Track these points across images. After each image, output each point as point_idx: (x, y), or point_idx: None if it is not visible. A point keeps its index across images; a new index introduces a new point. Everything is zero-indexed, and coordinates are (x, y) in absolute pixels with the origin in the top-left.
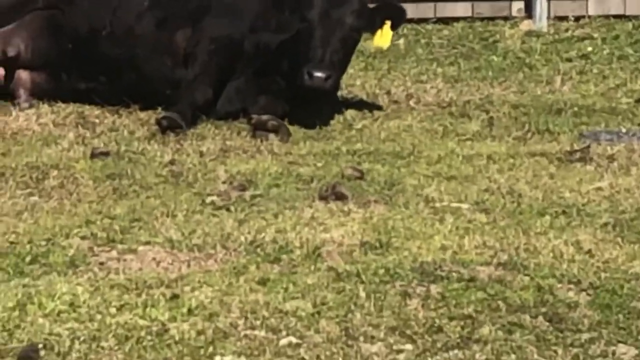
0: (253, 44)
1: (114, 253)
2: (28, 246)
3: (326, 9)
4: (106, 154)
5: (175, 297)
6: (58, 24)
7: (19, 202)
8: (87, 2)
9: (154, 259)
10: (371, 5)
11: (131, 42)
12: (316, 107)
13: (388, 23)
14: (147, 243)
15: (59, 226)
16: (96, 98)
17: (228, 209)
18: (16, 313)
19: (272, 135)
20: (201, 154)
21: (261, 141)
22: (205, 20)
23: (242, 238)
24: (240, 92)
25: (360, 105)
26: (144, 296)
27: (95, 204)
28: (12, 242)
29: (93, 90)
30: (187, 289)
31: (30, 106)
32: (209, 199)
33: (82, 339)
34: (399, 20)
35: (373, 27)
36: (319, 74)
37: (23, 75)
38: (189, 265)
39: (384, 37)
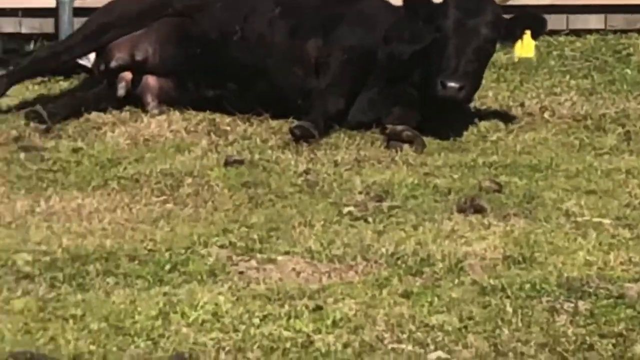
0: (386, 55)
1: (253, 262)
2: (167, 254)
3: (461, 19)
4: (240, 162)
5: (318, 308)
6: (187, 31)
7: (155, 209)
8: (217, 9)
9: (293, 269)
10: (509, 16)
11: (262, 50)
12: (449, 119)
13: (528, 33)
14: (287, 253)
15: (196, 234)
16: (227, 106)
17: (366, 220)
18: (159, 322)
19: (406, 146)
20: (335, 164)
21: (396, 152)
22: (337, 29)
23: (383, 250)
24: (372, 103)
25: (493, 116)
26: (286, 307)
27: (231, 213)
28: (150, 250)
29: (221, 98)
30: (330, 300)
31: (161, 113)
32: (346, 210)
33: (227, 349)
34: (539, 29)
35: (512, 38)
36: (452, 84)
37: (151, 81)
38: (329, 277)
39: (525, 47)
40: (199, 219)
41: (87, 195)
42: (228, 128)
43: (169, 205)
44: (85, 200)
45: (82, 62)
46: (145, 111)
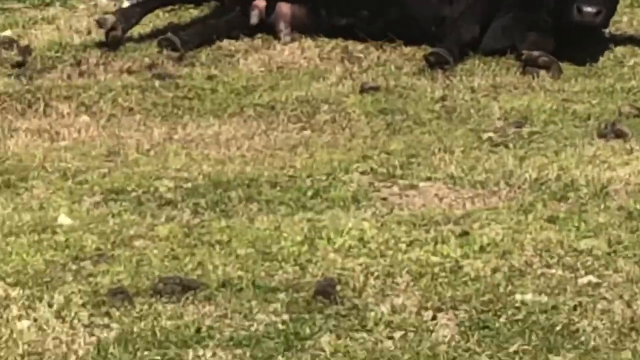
0: None
1: (395, 189)
2: (308, 180)
3: None
4: (376, 88)
5: (464, 234)
6: None
7: (292, 136)
8: None
9: (436, 195)
10: None
11: None
12: (584, 45)
13: None
14: (428, 179)
15: (336, 161)
16: (359, 33)
17: (506, 146)
18: (305, 247)
19: (543, 72)
20: (472, 90)
21: (532, 77)
22: None
23: (525, 175)
24: (506, 30)
25: (629, 42)
26: (432, 233)
27: (369, 139)
28: (291, 176)
29: (353, 26)
30: (475, 226)
31: (293, 40)
32: (485, 136)
33: (375, 274)
34: None
35: None
36: (589, 9)
37: (284, 8)
38: (473, 202)
39: None
40: (337, 145)
41: (223, 122)
42: (361, 55)
43: (307, 132)
44: (222, 128)
45: None
46: (277, 38)
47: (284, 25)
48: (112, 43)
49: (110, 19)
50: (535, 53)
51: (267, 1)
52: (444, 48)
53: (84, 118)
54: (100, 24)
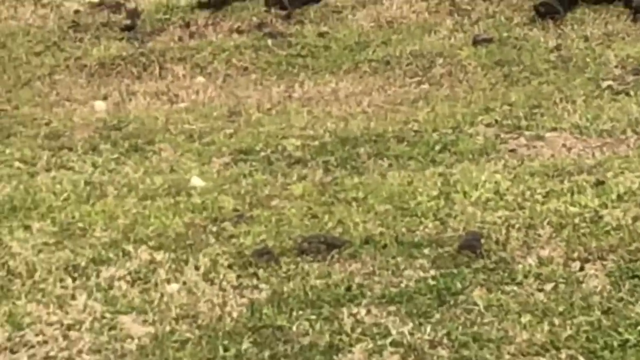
0: None
1: (522, 140)
2: (434, 134)
3: None
4: (489, 40)
5: (600, 183)
6: None
7: (411, 90)
8: None
9: (564, 145)
10: None
11: None
12: None
13: None
14: (554, 129)
15: (460, 114)
16: None
17: (627, 94)
18: (442, 202)
19: None
20: (585, 39)
21: None
22: None
23: None
24: None
25: None
26: (567, 183)
27: (488, 91)
28: (416, 131)
29: None
30: (609, 175)
31: None
32: (604, 84)
33: (517, 226)
34: None
35: None
36: None
37: None
38: (602, 151)
39: None
40: (457, 98)
41: (340, 79)
42: (469, 7)
43: (424, 87)
44: (340, 84)
45: None
46: None
47: None
48: (218, 3)
49: None
50: None
51: None
52: None
53: (200, 79)
54: None
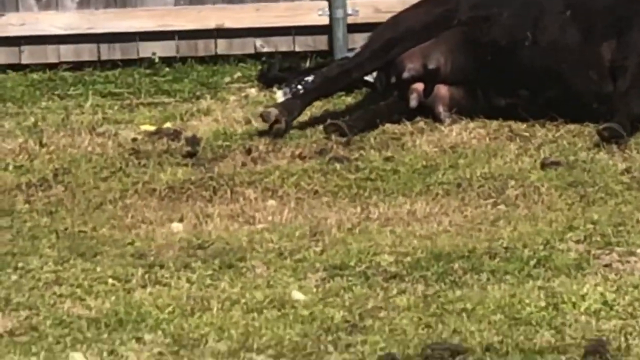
0: None
1: (614, 256)
2: (526, 251)
3: None
4: (557, 163)
5: None
6: (476, 39)
7: (488, 210)
8: (505, 18)
9: None
10: None
11: (554, 55)
12: None
13: None
14: None
15: (546, 232)
16: (521, 112)
17: None
18: (552, 312)
19: None
20: None
21: None
22: (632, 31)
23: None
24: None
25: None
26: None
27: (567, 211)
28: (506, 248)
29: (512, 106)
30: None
31: (453, 122)
32: None
33: (633, 335)
34: None
35: None
36: None
37: (442, 90)
38: None
39: None
40: (537, 218)
41: (413, 200)
42: (527, 134)
43: (501, 207)
44: (415, 206)
45: (366, 77)
46: (437, 120)
47: (443, 107)
48: (276, 135)
49: (274, 112)
50: None
51: (425, 84)
52: (617, 122)
53: (271, 202)
54: (264, 117)
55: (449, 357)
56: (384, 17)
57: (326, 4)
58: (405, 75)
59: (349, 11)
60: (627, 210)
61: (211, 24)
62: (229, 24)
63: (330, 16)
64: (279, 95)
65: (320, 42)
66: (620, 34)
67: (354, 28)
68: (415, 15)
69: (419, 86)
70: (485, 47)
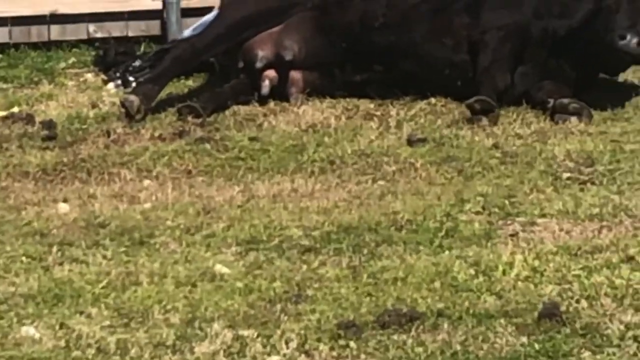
0: (539, 30)
1: (516, 226)
2: (431, 223)
3: None
4: (423, 140)
5: (630, 258)
6: (329, 24)
7: (369, 186)
8: (356, 1)
9: (561, 229)
10: None
11: (407, 31)
12: (601, 93)
13: None
14: (543, 216)
15: (443, 204)
16: (370, 92)
17: (593, 183)
18: (485, 278)
19: (573, 118)
20: (519, 137)
21: (563, 123)
22: (485, 9)
23: None
24: (524, 77)
25: (636, 88)
26: (596, 260)
27: (449, 185)
28: (409, 220)
29: (367, 82)
30: (631, 252)
31: (303, 103)
32: (564, 176)
33: (575, 299)
34: None
35: None
36: (632, 37)
37: (295, 75)
38: (604, 233)
39: None
40: (423, 193)
41: (291, 179)
42: (379, 113)
43: (382, 182)
44: (295, 184)
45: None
46: (283, 102)
47: (296, 90)
48: (132, 120)
49: (135, 101)
50: (565, 100)
51: (278, 71)
52: (485, 96)
53: (148, 182)
54: (125, 106)
55: (406, 323)
56: (217, 1)
57: None
58: (258, 64)
59: None
60: (510, 183)
61: (45, 10)
62: (63, 9)
63: (164, 1)
64: (111, 86)
65: (153, 27)
66: (472, 11)
67: (187, 12)
68: None
69: (271, 73)
70: (339, 31)
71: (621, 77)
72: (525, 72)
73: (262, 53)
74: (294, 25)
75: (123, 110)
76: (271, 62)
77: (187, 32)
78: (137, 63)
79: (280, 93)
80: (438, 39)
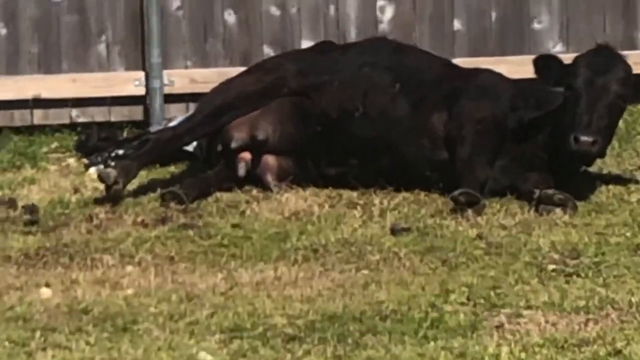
0: (515, 122)
1: (502, 317)
2: (415, 313)
3: (591, 77)
4: (407, 229)
5: (617, 352)
6: (306, 109)
7: (353, 275)
8: (335, 88)
9: (547, 321)
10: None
11: (385, 125)
12: (578, 182)
13: None
14: (528, 307)
15: (427, 294)
16: (351, 180)
17: (579, 275)
18: None
19: (558, 209)
20: (503, 227)
21: (548, 214)
22: (462, 102)
23: (628, 298)
24: (506, 170)
25: (619, 180)
26: (583, 354)
27: (434, 275)
28: (394, 310)
29: (343, 175)
30: (618, 345)
31: (282, 190)
32: (549, 267)
33: None
34: None
35: None
36: (585, 138)
37: (270, 160)
38: (591, 326)
39: None
40: (406, 282)
41: (274, 266)
42: (362, 202)
43: (365, 272)
44: (278, 271)
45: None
46: (267, 189)
47: (272, 176)
48: (114, 197)
49: (112, 173)
50: (550, 191)
51: (252, 154)
52: (469, 188)
53: (130, 268)
54: (102, 178)
55: None
56: (199, 88)
57: (142, 74)
58: (233, 145)
59: (165, 81)
60: (495, 274)
61: (28, 94)
62: (46, 94)
63: (147, 86)
64: (93, 171)
65: (136, 113)
66: (451, 104)
67: (170, 98)
68: (246, 82)
69: (246, 155)
70: (315, 118)
71: (605, 169)
72: (506, 165)
73: (238, 134)
74: (272, 108)
75: (100, 181)
76: (246, 143)
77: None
78: (120, 151)
79: (258, 181)
80: (416, 137)
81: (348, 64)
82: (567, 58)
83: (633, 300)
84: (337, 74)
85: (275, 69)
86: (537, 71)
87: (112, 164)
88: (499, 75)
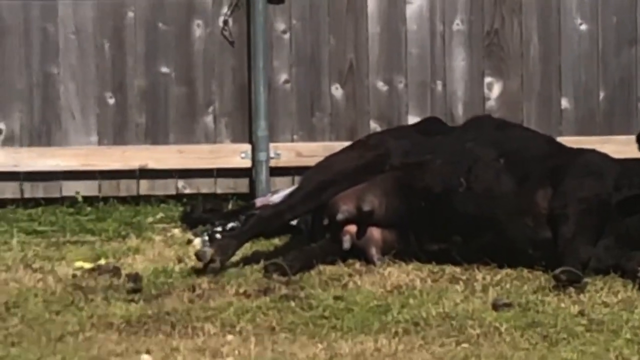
0: (620, 202)
1: None
2: None
3: None
4: (509, 305)
5: None
6: (410, 183)
7: (453, 349)
8: (437, 165)
9: None
10: None
11: (489, 202)
12: None
13: None
14: None
15: None
16: (455, 256)
17: None
18: None
19: None
20: (605, 305)
21: None
22: (567, 180)
23: None
24: (609, 249)
25: None
26: None
27: (533, 350)
28: None
29: (445, 251)
30: None
31: (384, 263)
32: None
33: None
34: None
35: None
36: None
37: (375, 233)
38: None
39: None
40: (506, 356)
41: (375, 338)
42: (465, 277)
43: (465, 346)
44: (378, 344)
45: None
46: (370, 262)
47: (376, 250)
48: (211, 274)
49: (209, 252)
50: None
51: (358, 226)
52: (571, 267)
53: (231, 337)
54: (199, 257)
55: None
56: (305, 161)
57: (249, 147)
58: (339, 217)
59: (272, 154)
60: (595, 350)
61: (134, 164)
62: (152, 164)
63: (253, 159)
64: (197, 243)
65: (241, 185)
66: (555, 182)
67: (275, 171)
68: (347, 158)
69: (352, 228)
70: (418, 193)
71: None
72: (610, 244)
73: (345, 206)
74: (377, 182)
75: (197, 260)
76: (352, 215)
77: (276, 198)
78: (229, 224)
79: (362, 254)
80: (520, 215)
81: (451, 144)
82: None
83: None
84: (440, 153)
85: (377, 145)
86: None
87: (207, 239)
88: (604, 154)
